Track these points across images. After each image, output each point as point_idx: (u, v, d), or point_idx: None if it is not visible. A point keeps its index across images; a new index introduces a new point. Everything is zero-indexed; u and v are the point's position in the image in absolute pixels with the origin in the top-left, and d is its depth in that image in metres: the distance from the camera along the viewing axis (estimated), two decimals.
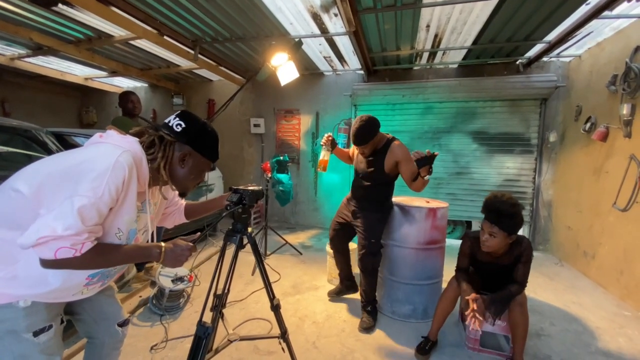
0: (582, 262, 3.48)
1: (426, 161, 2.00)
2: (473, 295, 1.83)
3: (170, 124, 1.06)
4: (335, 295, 2.74)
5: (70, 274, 0.97)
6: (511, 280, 1.88)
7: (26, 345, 0.96)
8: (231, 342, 1.64)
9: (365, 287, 2.41)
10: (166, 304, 2.42)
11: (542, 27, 3.10)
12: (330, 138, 2.45)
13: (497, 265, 1.95)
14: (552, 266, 3.70)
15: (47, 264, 0.87)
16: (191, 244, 1.15)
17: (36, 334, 0.97)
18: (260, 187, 1.49)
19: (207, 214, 1.48)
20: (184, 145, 1.06)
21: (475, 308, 1.78)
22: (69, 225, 0.83)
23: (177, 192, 1.29)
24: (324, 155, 2.47)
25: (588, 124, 3.36)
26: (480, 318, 1.78)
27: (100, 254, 0.94)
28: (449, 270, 2.38)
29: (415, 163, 2.04)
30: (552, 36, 3.29)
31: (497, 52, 3.87)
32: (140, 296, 2.61)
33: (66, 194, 0.84)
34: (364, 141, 2.21)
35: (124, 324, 1.30)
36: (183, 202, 1.40)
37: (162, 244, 1.09)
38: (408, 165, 2.19)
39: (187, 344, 1.94)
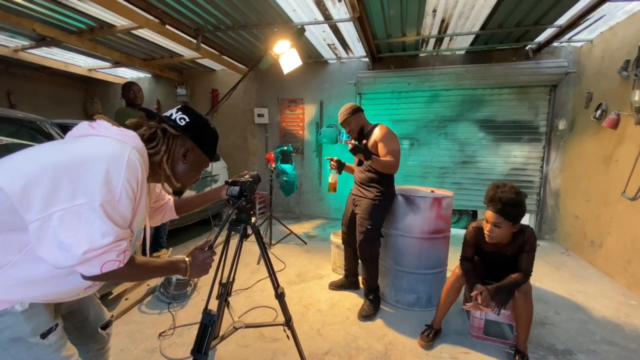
0: (589, 252, 3.45)
1: (356, 150, 2.20)
2: (477, 290, 1.84)
3: (173, 118, 1.02)
4: (336, 288, 2.77)
5: (73, 277, 0.89)
6: (516, 269, 1.88)
7: (38, 350, 0.89)
8: (237, 329, 1.67)
9: (365, 275, 2.43)
10: (173, 293, 2.46)
11: (552, 11, 3.00)
12: (336, 161, 2.49)
13: (501, 255, 1.94)
14: (559, 255, 3.68)
15: (90, 277, 0.84)
16: (208, 249, 1.14)
17: (44, 335, 0.91)
18: (257, 172, 1.49)
19: (198, 208, 1.42)
20: (187, 139, 1.02)
21: (480, 302, 1.79)
22: (105, 231, 0.78)
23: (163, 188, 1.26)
24: (332, 177, 2.51)
25: (599, 111, 3.28)
26: (486, 310, 1.80)
27: (137, 267, 0.92)
28: (453, 260, 2.38)
29: (350, 150, 2.21)
30: (563, 20, 3.18)
31: (506, 37, 3.77)
32: (148, 285, 2.65)
33: (74, 198, 0.76)
34: (345, 115, 2.40)
35: (107, 325, 1.23)
36: (169, 197, 1.30)
37: (185, 257, 1.09)
38: (384, 144, 2.29)
39: (194, 330, 1.98)
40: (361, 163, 2.43)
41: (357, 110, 2.41)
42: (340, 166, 2.51)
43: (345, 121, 2.41)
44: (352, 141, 2.27)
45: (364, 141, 2.23)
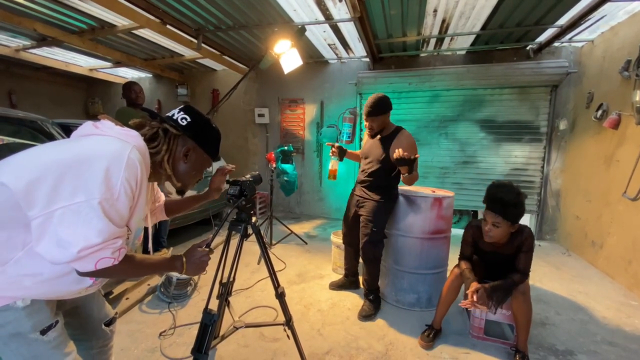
0: (589, 252, 3.45)
1: (405, 162, 2.04)
2: (473, 288, 1.83)
3: (174, 118, 1.03)
4: (337, 288, 2.77)
5: (74, 276, 0.90)
6: (514, 269, 1.88)
7: (37, 346, 0.91)
8: (237, 329, 1.67)
9: (366, 276, 2.43)
10: (174, 292, 2.46)
11: (553, 11, 3.00)
12: (337, 147, 2.50)
13: (499, 254, 1.94)
14: (559, 256, 3.68)
15: (85, 273, 0.86)
16: (206, 248, 1.14)
17: (44, 332, 0.92)
18: (258, 172, 1.50)
19: (189, 210, 1.41)
20: (188, 139, 1.03)
21: (476, 300, 1.79)
22: (101, 229, 0.80)
23: (158, 189, 1.27)
24: (333, 164, 2.51)
25: (599, 111, 3.28)
26: (483, 308, 1.79)
27: (132, 264, 0.93)
28: (453, 260, 2.37)
29: (396, 160, 2.06)
30: (563, 20, 3.18)
31: (507, 37, 3.76)
32: (149, 284, 2.66)
33: (75, 196, 0.77)
34: (374, 112, 2.24)
35: (110, 322, 1.24)
36: (163, 198, 1.32)
37: (182, 255, 1.10)
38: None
39: (195, 330, 1.98)
40: (385, 169, 2.29)
41: (388, 109, 2.27)
42: (341, 153, 2.51)
43: (371, 117, 2.26)
44: (401, 150, 2.02)
45: (417, 155, 2.09)
